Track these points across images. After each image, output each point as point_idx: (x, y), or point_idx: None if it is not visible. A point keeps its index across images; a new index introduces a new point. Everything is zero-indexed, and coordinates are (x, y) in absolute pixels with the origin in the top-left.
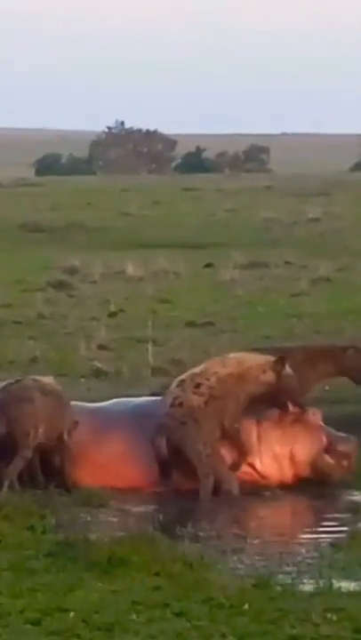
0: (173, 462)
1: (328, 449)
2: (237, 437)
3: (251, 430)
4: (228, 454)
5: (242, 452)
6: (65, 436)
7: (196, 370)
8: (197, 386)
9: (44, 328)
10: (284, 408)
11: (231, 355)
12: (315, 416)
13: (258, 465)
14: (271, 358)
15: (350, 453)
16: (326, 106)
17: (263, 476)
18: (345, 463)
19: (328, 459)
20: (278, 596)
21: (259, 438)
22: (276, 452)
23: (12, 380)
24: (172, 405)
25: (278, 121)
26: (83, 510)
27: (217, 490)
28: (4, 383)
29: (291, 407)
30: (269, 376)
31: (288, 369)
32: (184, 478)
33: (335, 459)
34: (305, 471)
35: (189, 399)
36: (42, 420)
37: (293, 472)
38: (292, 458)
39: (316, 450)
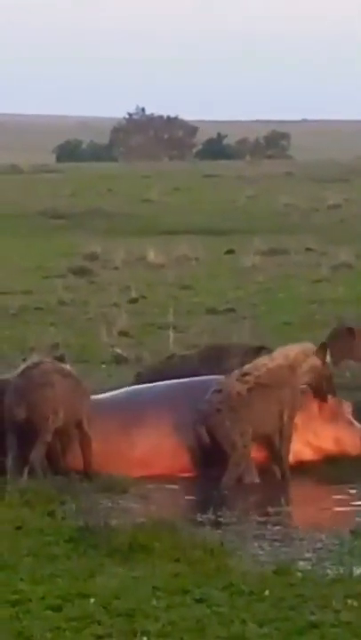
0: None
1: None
2: (289, 432)
3: (292, 419)
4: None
5: (287, 444)
6: (85, 424)
7: (248, 365)
8: (244, 375)
9: (64, 314)
10: (323, 400)
11: (277, 349)
12: (349, 408)
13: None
14: (311, 345)
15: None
16: (347, 92)
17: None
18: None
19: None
20: (299, 583)
21: (298, 428)
22: (313, 442)
23: (31, 364)
24: (214, 392)
25: (299, 107)
26: (103, 496)
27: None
28: (23, 366)
29: (329, 399)
30: (314, 360)
31: (329, 356)
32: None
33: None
34: (319, 458)
35: (231, 386)
36: (61, 404)
37: (310, 456)
38: (314, 445)
39: (351, 444)
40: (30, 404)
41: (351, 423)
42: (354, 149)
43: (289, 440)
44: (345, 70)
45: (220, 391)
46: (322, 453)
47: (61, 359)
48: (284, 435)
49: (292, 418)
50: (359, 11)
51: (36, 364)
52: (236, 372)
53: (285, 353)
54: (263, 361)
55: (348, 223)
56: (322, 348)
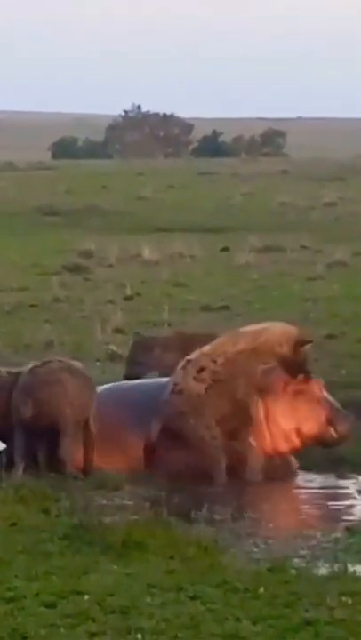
0: (163, 446)
1: (327, 421)
2: (246, 411)
3: (257, 405)
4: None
5: (247, 425)
6: (90, 423)
7: (206, 349)
8: (200, 370)
9: (59, 311)
10: (291, 376)
11: (246, 328)
12: (318, 386)
13: (267, 441)
14: (294, 332)
15: (347, 434)
16: (343, 90)
17: (274, 452)
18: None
19: (333, 432)
20: (293, 580)
21: (266, 414)
22: (282, 427)
23: (39, 363)
24: (173, 392)
25: (295, 105)
26: (98, 494)
27: (237, 473)
28: (30, 365)
29: (299, 377)
30: (285, 350)
31: (307, 347)
32: (179, 461)
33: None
34: (310, 443)
35: (189, 387)
36: (72, 401)
37: (300, 444)
38: (297, 431)
39: (319, 424)
40: (36, 402)
41: (319, 402)
42: (350, 147)
43: (249, 421)
44: (341, 68)
45: (180, 392)
46: (293, 439)
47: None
48: (249, 422)
49: (250, 404)
50: (355, 8)
51: (44, 363)
52: (191, 369)
53: (256, 334)
54: (224, 346)
55: (344, 221)
56: (303, 343)
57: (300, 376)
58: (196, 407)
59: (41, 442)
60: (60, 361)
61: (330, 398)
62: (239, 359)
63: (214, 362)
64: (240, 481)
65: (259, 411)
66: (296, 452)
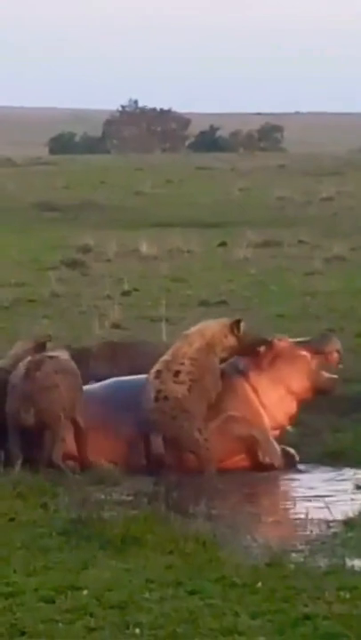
0: (167, 456)
1: (314, 356)
2: (219, 405)
3: (244, 387)
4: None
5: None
6: (79, 418)
7: (167, 356)
8: (176, 374)
9: (57, 307)
10: (256, 355)
11: (191, 330)
12: (282, 341)
13: (266, 417)
14: (227, 321)
15: (333, 349)
16: (341, 85)
17: (278, 427)
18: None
19: (324, 374)
20: (291, 575)
21: (255, 391)
22: (276, 396)
23: (32, 363)
24: (157, 400)
25: (292, 100)
26: (96, 489)
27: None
28: (23, 365)
29: (261, 349)
30: (231, 340)
31: (244, 327)
32: (179, 464)
33: (323, 362)
34: (308, 394)
35: (172, 390)
36: (65, 406)
37: (295, 405)
38: (290, 391)
39: (305, 370)
40: (39, 410)
41: (293, 354)
42: (347, 142)
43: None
44: (338, 63)
45: (166, 398)
46: (289, 403)
47: (43, 346)
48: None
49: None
50: (353, 4)
51: (37, 364)
52: (167, 373)
53: (201, 331)
54: (182, 348)
55: (342, 216)
56: (234, 325)
57: (262, 348)
58: (186, 409)
59: (36, 442)
60: (50, 357)
61: (301, 340)
62: (200, 356)
63: (183, 364)
64: (238, 475)
65: (247, 392)
66: (294, 415)
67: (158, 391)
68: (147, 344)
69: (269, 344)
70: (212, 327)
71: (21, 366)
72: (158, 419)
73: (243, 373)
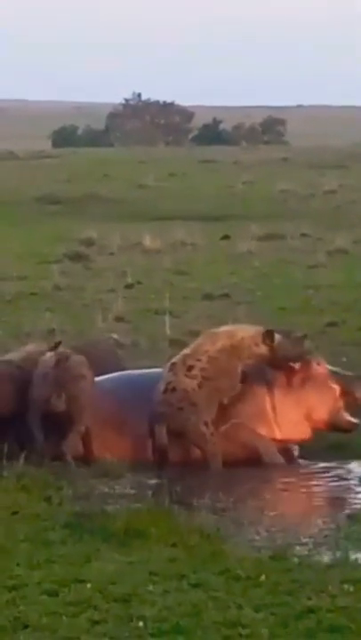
0: (171, 448)
1: (343, 394)
2: (240, 396)
3: (264, 400)
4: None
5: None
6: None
7: (187, 350)
8: (189, 369)
9: (60, 300)
10: (289, 370)
11: (222, 328)
12: (320, 366)
13: (277, 434)
14: (261, 329)
15: None
16: (343, 77)
17: (285, 444)
18: None
19: (345, 415)
20: (295, 568)
21: (273, 408)
22: (293, 418)
23: (62, 356)
24: (166, 391)
25: (295, 93)
26: (100, 482)
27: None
28: (51, 356)
29: (296, 366)
30: (262, 349)
31: (279, 339)
32: (184, 457)
33: (352, 403)
34: (323, 427)
35: (183, 382)
36: (90, 399)
37: (312, 430)
38: (308, 418)
39: (330, 404)
40: (70, 397)
41: (326, 383)
42: (350, 135)
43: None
44: (341, 56)
45: (174, 390)
46: (314, 424)
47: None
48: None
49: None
50: None
51: (66, 356)
52: (181, 366)
53: (231, 332)
54: (205, 345)
55: (344, 209)
56: (268, 335)
57: (297, 364)
58: (193, 402)
59: (51, 433)
60: (74, 354)
61: (336, 370)
62: (221, 357)
63: (199, 360)
64: (242, 469)
65: (265, 404)
66: (307, 441)
67: (168, 383)
68: (104, 342)
69: (307, 363)
70: (243, 331)
71: (49, 357)
72: (165, 410)
73: (268, 385)
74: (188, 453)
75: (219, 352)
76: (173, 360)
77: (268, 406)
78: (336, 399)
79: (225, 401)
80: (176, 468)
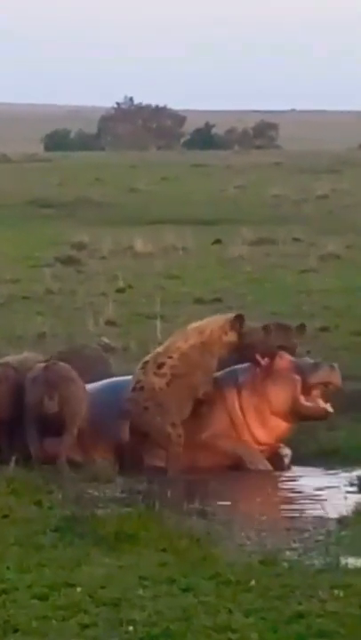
0: (138, 446)
1: (305, 385)
2: (213, 403)
3: (233, 402)
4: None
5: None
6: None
7: (160, 348)
8: (160, 366)
9: (52, 303)
10: (255, 362)
11: (191, 325)
12: (283, 359)
13: (251, 435)
14: (230, 317)
15: (328, 380)
16: (336, 82)
17: (260, 445)
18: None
19: (304, 401)
20: (285, 573)
21: (241, 408)
22: (260, 415)
23: (51, 361)
24: (134, 389)
25: (287, 97)
26: (90, 486)
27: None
28: (41, 362)
29: (262, 360)
30: (231, 336)
31: (248, 324)
32: (153, 458)
33: (316, 393)
34: (291, 420)
35: (150, 382)
36: (84, 399)
37: (283, 425)
38: (274, 413)
39: (289, 396)
40: (62, 398)
41: (287, 375)
42: (343, 140)
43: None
44: (334, 60)
45: (142, 389)
46: (283, 417)
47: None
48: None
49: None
50: (349, 1)
51: (55, 360)
52: (151, 364)
53: (200, 328)
54: (177, 342)
55: (337, 214)
56: (237, 320)
57: (265, 360)
58: (160, 402)
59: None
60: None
61: (302, 363)
62: (193, 353)
63: (171, 357)
64: (232, 474)
65: (234, 406)
66: (283, 435)
67: (137, 381)
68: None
69: (272, 357)
70: (211, 325)
71: (39, 364)
72: (131, 409)
73: (237, 388)
74: (151, 455)
75: (190, 348)
76: (146, 358)
77: (237, 409)
78: (295, 389)
79: (197, 396)
80: (167, 472)
